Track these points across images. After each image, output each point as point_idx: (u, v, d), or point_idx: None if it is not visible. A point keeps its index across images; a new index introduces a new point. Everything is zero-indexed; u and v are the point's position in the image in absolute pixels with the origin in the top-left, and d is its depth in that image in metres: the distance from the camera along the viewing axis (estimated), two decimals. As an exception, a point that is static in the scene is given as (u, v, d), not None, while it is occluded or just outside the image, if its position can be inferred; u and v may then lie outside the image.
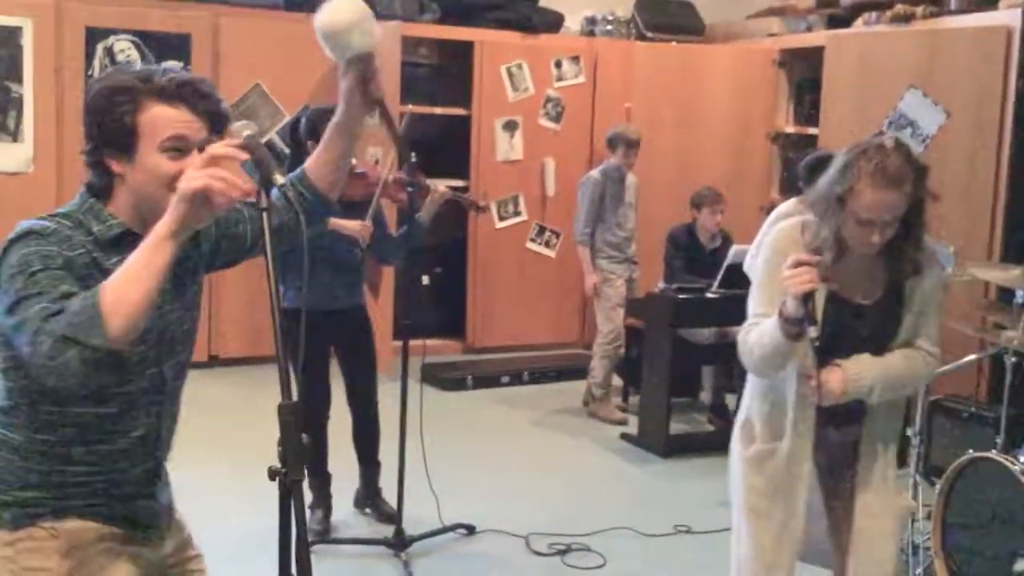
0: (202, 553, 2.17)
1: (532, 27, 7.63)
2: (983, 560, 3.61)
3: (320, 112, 4.16)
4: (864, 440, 2.70)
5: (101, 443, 1.90)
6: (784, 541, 2.67)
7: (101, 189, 1.90)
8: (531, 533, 4.33)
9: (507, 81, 7.49)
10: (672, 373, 5.60)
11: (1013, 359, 3.97)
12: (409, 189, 4.17)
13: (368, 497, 4.47)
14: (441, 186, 4.50)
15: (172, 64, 5.87)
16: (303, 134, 4.17)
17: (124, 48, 6.58)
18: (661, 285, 5.94)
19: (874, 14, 6.56)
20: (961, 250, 5.51)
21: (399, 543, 4.07)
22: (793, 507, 2.66)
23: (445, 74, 7.74)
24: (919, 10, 6.23)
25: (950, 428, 4.89)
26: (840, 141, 2.62)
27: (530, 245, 7.72)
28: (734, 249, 5.47)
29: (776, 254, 2.59)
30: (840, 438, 2.70)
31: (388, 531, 4.15)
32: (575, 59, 7.68)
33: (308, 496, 4.13)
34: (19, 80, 6.39)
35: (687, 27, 8.18)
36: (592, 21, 8.05)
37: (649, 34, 8.02)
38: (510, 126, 7.54)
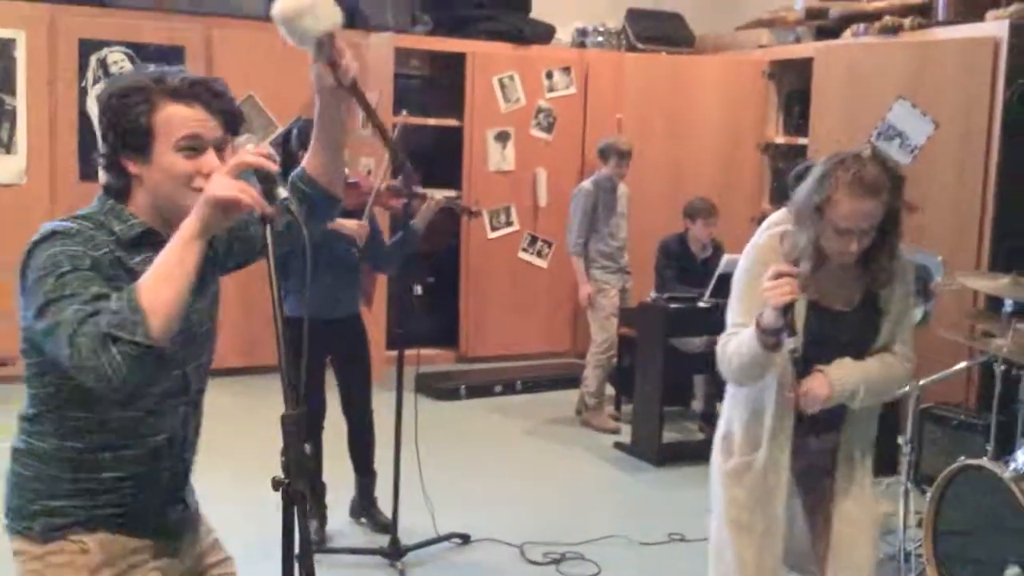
0: (232, 556, 2.17)
1: (523, 38, 7.67)
2: (974, 567, 3.63)
3: (311, 123, 4.18)
4: (842, 447, 2.72)
5: (128, 447, 1.91)
6: (766, 553, 2.69)
7: (119, 191, 1.90)
8: (526, 542, 4.35)
9: (499, 92, 7.53)
10: (665, 382, 5.63)
11: (1002, 367, 4.00)
12: (405, 200, 4.20)
13: (364, 507, 4.49)
14: (437, 195, 4.54)
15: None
16: (295, 145, 4.18)
17: (118, 60, 6.60)
18: (653, 295, 5.97)
19: (862, 26, 6.61)
20: (950, 259, 5.57)
21: (394, 552, 4.09)
22: (773, 518, 2.68)
23: (437, 85, 7.77)
24: (907, 22, 6.29)
25: (940, 436, 4.93)
26: (829, 151, 2.65)
27: (522, 255, 7.75)
28: (726, 259, 5.51)
29: (755, 264, 2.63)
30: (819, 446, 2.72)
31: (383, 541, 4.16)
32: (566, 70, 7.73)
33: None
34: (12, 92, 6.40)
35: (677, 38, 8.23)
36: (583, 32, 8.10)
37: (639, 45, 8.07)
38: (502, 137, 7.57)
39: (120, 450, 1.90)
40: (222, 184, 1.70)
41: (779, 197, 7.05)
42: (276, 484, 1.66)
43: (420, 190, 4.38)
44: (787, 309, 2.40)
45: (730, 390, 2.79)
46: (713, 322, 5.57)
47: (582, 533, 4.45)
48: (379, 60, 6.75)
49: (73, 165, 6.54)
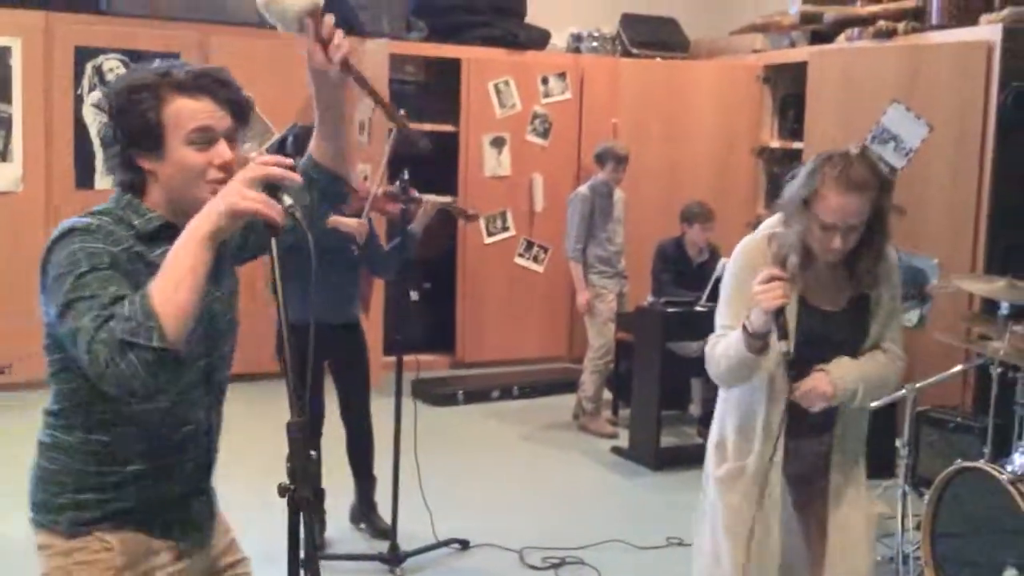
0: (248, 556, 2.18)
1: (519, 44, 7.69)
2: (972, 569, 3.65)
3: (308, 129, 4.18)
4: (835, 449, 2.73)
5: (154, 439, 1.92)
6: (763, 559, 2.68)
7: (134, 186, 1.91)
8: (525, 547, 4.35)
9: (494, 98, 7.55)
10: (662, 386, 5.64)
11: (998, 370, 4.02)
12: (403, 205, 4.22)
13: (363, 512, 4.49)
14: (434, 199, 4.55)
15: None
16: (291, 151, 4.20)
17: (113, 67, 6.60)
18: (650, 299, 5.98)
19: (856, 30, 6.63)
20: (945, 262, 5.60)
21: (394, 559, 4.09)
22: (767, 524, 2.67)
23: (433, 91, 7.78)
24: (901, 26, 6.31)
25: (937, 439, 4.95)
26: (824, 155, 2.68)
27: (518, 260, 7.76)
28: (723, 262, 5.51)
29: (743, 268, 2.64)
30: (812, 448, 2.73)
31: (383, 546, 4.17)
32: (561, 75, 7.75)
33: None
34: (8, 100, 6.40)
35: (672, 43, 8.26)
36: (578, 38, 8.12)
37: (634, 50, 8.09)
38: (498, 142, 7.59)
39: (146, 442, 1.91)
40: (246, 196, 1.70)
41: (774, 201, 7.05)
42: (282, 490, 1.67)
43: (417, 195, 4.39)
44: (779, 313, 2.42)
45: (722, 395, 2.80)
46: (710, 326, 5.59)
47: (581, 538, 4.45)
48: (374, 66, 6.76)
49: (69, 172, 6.54)
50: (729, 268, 2.71)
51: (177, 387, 1.89)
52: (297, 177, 1.76)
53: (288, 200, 1.71)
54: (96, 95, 6.59)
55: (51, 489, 1.91)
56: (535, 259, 7.79)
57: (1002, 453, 3.94)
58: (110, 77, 6.58)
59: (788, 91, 7.61)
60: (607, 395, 6.38)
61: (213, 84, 1.88)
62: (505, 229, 7.69)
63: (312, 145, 2.13)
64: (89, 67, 6.56)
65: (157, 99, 1.84)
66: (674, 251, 6.10)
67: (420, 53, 7.53)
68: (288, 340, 1.68)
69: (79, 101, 6.56)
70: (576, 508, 4.97)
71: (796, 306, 2.58)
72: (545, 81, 7.69)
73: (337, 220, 4.04)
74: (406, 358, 4.17)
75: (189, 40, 6.73)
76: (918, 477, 4.70)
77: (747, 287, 2.49)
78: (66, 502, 1.90)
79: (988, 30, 5.70)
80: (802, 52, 7.10)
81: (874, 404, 3.73)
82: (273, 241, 1.74)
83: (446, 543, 4.31)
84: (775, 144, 7.71)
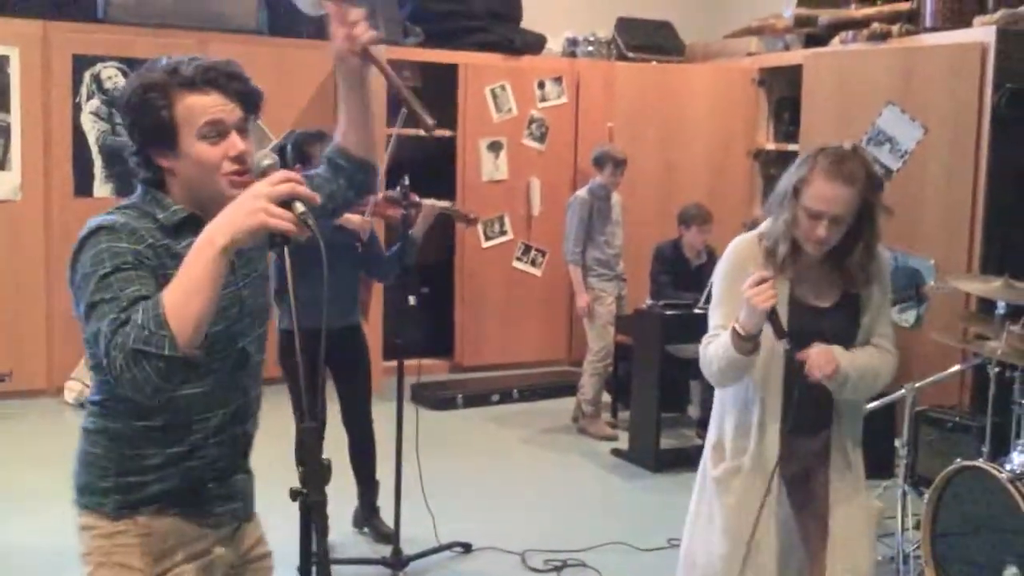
0: (272, 551, 2.21)
1: (515, 49, 7.72)
2: (972, 568, 3.67)
3: (306, 136, 4.22)
4: (833, 446, 2.74)
5: (196, 422, 1.95)
6: (762, 559, 2.69)
7: (155, 182, 1.94)
8: (527, 550, 4.37)
9: (491, 102, 7.57)
10: (661, 388, 5.67)
11: (996, 369, 4.04)
12: (403, 210, 4.23)
13: (366, 517, 4.50)
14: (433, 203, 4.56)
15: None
16: (289, 159, 4.20)
17: (111, 75, 6.62)
18: (648, 301, 6.00)
19: (851, 33, 6.67)
20: (941, 263, 5.64)
21: (397, 562, 4.10)
22: (765, 524, 2.68)
23: (429, 96, 7.79)
24: (895, 28, 6.34)
25: (936, 438, 4.97)
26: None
27: (516, 264, 7.78)
28: (720, 265, 5.54)
29: (734, 267, 2.67)
30: (809, 447, 2.74)
31: (386, 550, 4.18)
32: (558, 80, 7.78)
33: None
34: (6, 108, 6.42)
35: (667, 47, 8.29)
36: (573, 42, 8.15)
37: (630, 54, 8.12)
38: (495, 147, 7.61)
39: (188, 425, 1.95)
40: (272, 213, 1.69)
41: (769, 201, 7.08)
42: (294, 494, 1.69)
43: (417, 199, 4.40)
44: (771, 312, 2.46)
45: (718, 395, 2.82)
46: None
47: (582, 540, 4.47)
48: (372, 71, 6.77)
49: (68, 181, 6.56)
50: (719, 268, 2.74)
51: (214, 371, 1.93)
52: (316, 197, 1.79)
53: (301, 208, 1.73)
54: (95, 103, 6.61)
55: (95, 472, 1.96)
56: (533, 263, 7.81)
57: (1000, 452, 3.97)
58: (108, 85, 6.60)
59: (783, 94, 7.66)
60: (606, 398, 6.40)
61: (222, 77, 1.91)
62: (503, 233, 7.71)
63: (339, 130, 2.17)
64: (87, 75, 6.58)
65: (167, 98, 1.87)
66: (672, 253, 6.13)
67: (417, 58, 7.53)
68: (299, 346, 1.70)
69: (77, 109, 6.58)
70: (577, 510, 4.99)
71: (786, 304, 2.61)
72: (541, 85, 7.72)
73: (343, 217, 4.04)
74: (406, 363, 4.18)
75: (187, 48, 6.73)
76: (917, 476, 4.72)
77: (737, 287, 2.53)
78: (110, 485, 1.94)
79: (981, 32, 5.73)
80: (797, 55, 7.14)
81: (873, 404, 3.79)
82: (286, 254, 1.74)
83: (448, 546, 4.33)
84: (771, 147, 7.74)
